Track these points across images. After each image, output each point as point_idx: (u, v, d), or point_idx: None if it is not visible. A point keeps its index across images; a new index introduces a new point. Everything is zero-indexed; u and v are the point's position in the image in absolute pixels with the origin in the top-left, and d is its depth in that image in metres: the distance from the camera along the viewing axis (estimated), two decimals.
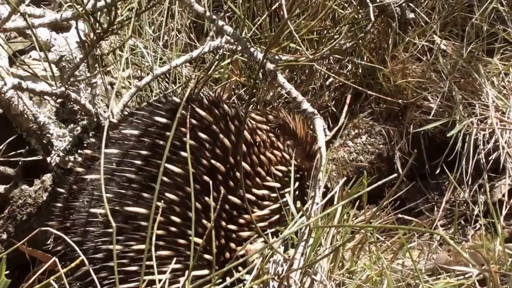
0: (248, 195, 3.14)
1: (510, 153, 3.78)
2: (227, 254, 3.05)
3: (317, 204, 2.81)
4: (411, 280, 2.89)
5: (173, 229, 2.94)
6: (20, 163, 3.81)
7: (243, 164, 3.12)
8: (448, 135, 3.87)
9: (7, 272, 2.50)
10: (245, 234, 3.10)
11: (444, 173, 3.95)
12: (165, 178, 2.94)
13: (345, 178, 3.07)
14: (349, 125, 4.19)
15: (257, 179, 3.20)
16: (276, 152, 3.31)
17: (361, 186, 2.91)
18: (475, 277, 2.80)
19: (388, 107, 4.20)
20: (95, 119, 3.44)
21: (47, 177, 3.67)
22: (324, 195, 2.91)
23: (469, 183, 3.89)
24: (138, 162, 3.00)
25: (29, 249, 3.25)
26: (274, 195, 3.22)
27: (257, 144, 3.25)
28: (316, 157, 3.35)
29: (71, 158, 3.39)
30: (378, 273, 2.81)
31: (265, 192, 3.21)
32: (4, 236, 3.69)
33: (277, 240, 2.80)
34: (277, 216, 3.21)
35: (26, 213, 3.67)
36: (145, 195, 2.92)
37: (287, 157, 3.34)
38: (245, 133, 3.17)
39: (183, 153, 2.98)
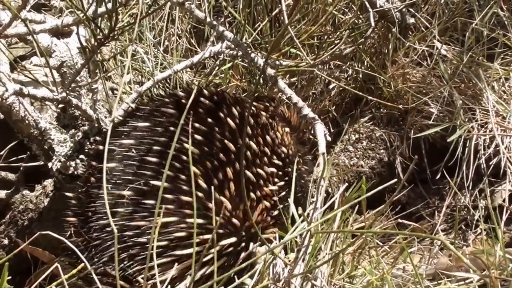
0: (259, 170, 3.25)
1: (510, 158, 3.79)
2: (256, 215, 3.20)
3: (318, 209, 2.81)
4: (412, 285, 2.89)
5: (200, 194, 3.04)
6: (21, 168, 3.81)
7: (251, 143, 3.24)
8: (448, 140, 3.88)
9: (9, 277, 2.50)
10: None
11: (445, 178, 3.95)
12: (184, 157, 3.04)
13: (346, 184, 3.08)
14: (350, 130, 4.19)
15: (265, 158, 3.30)
16: (277, 133, 3.41)
17: (361, 191, 2.91)
18: (475, 283, 2.80)
19: (388, 112, 4.20)
20: (96, 125, 3.44)
21: (48, 183, 3.68)
22: (324, 200, 2.93)
23: (470, 188, 3.90)
24: (158, 148, 3.09)
25: (31, 247, 3.25)
26: (280, 173, 3.34)
27: (260, 126, 3.34)
28: (307, 143, 3.50)
29: (72, 163, 3.39)
30: (378, 278, 2.81)
31: (273, 169, 3.31)
32: (6, 241, 3.70)
33: (278, 245, 2.80)
34: (284, 193, 3.31)
35: (27, 218, 3.68)
36: (169, 173, 3.00)
37: (286, 141, 3.45)
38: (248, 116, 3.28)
39: (197, 136, 3.10)
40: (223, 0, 4.47)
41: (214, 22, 3.34)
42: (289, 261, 2.76)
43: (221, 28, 3.31)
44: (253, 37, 3.94)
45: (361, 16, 4.11)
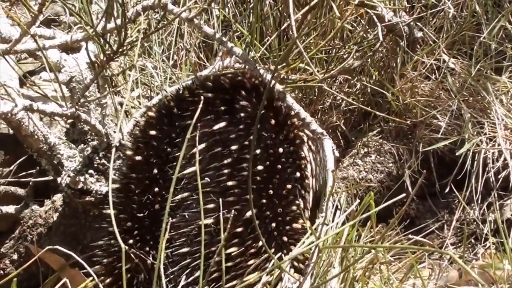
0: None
1: None
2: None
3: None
4: None
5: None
6: (30, 183, 3.81)
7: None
8: (457, 153, 3.88)
9: None
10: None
11: (454, 192, 3.95)
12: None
13: (358, 201, 3.08)
14: (358, 144, 4.19)
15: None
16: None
17: (370, 206, 2.91)
18: None
19: (397, 126, 4.20)
20: (105, 139, 3.45)
21: (58, 198, 3.69)
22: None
23: (479, 201, 3.90)
24: (235, 147, 3.10)
25: (42, 253, 3.25)
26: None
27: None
28: None
29: (81, 178, 3.40)
30: None
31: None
32: (15, 256, 3.70)
33: (286, 260, 2.80)
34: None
35: (36, 233, 3.68)
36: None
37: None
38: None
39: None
40: (231, 16, 4.48)
41: (223, 38, 3.35)
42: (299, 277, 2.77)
43: (230, 45, 3.32)
44: (262, 52, 3.94)
45: (369, 30, 4.11)
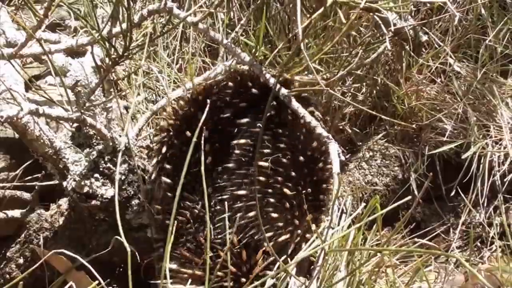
0: None
1: None
2: None
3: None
4: None
5: None
6: (36, 187, 3.81)
7: None
8: (463, 157, 3.87)
9: None
10: None
11: (460, 195, 3.94)
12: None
13: (364, 204, 3.08)
14: (364, 148, 4.18)
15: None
16: None
17: (376, 209, 2.91)
18: None
19: (402, 129, 4.20)
20: (111, 143, 3.45)
21: (63, 202, 3.69)
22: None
23: (485, 205, 3.89)
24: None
25: (46, 253, 3.25)
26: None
27: None
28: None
29: (87, 182, 3.40)
30: None
31: None
32: (21, 260, 3.70)
33: (291, 264, 2.80)
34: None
35: (42, 237, 3.68)
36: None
37: None
38: None
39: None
40: (236, 20, 4.48)
41: (232, 45, 3.34)
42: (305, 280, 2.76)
43: (236, 50, 3.32)
44: (266, 55, 3.93)
45: (375, 34, 4.10)
